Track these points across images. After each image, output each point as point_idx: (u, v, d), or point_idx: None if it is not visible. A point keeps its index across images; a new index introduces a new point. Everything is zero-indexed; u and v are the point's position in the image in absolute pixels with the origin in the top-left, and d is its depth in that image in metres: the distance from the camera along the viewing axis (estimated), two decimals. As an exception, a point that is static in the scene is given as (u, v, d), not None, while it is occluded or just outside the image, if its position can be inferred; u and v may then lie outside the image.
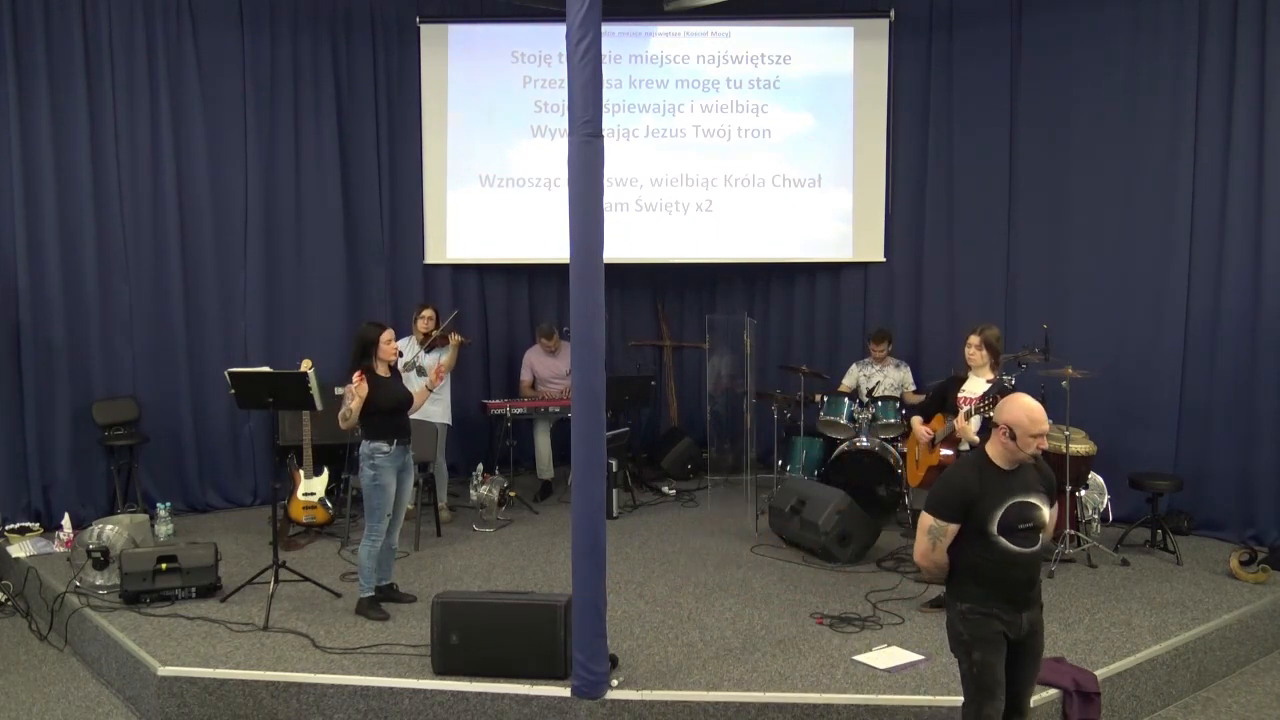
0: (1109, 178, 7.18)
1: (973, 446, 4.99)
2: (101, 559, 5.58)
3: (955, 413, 5.10)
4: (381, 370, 5.26)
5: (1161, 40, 6.91)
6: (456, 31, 8.36)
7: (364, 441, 5.19)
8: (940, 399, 5.30)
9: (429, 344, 7.06)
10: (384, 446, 5.16)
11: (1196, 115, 6.75)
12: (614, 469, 7.16)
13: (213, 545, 5.61)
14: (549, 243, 8.21)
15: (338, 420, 5.17)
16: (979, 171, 7.83)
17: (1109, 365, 6.84)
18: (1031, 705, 3.44)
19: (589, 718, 4.23)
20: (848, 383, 7.75)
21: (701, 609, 5.33)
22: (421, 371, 7.06)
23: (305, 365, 5.81)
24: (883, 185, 8.29)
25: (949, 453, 5.10)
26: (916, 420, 5.39)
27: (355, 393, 5.04)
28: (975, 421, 4.95)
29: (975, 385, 5.15)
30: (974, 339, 5.18)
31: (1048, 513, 3.39)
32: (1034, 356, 6.18)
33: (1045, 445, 3.35)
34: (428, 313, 7.13)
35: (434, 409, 7.02)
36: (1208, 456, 6.75)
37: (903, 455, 6.66)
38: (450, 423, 7.32)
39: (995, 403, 4.89)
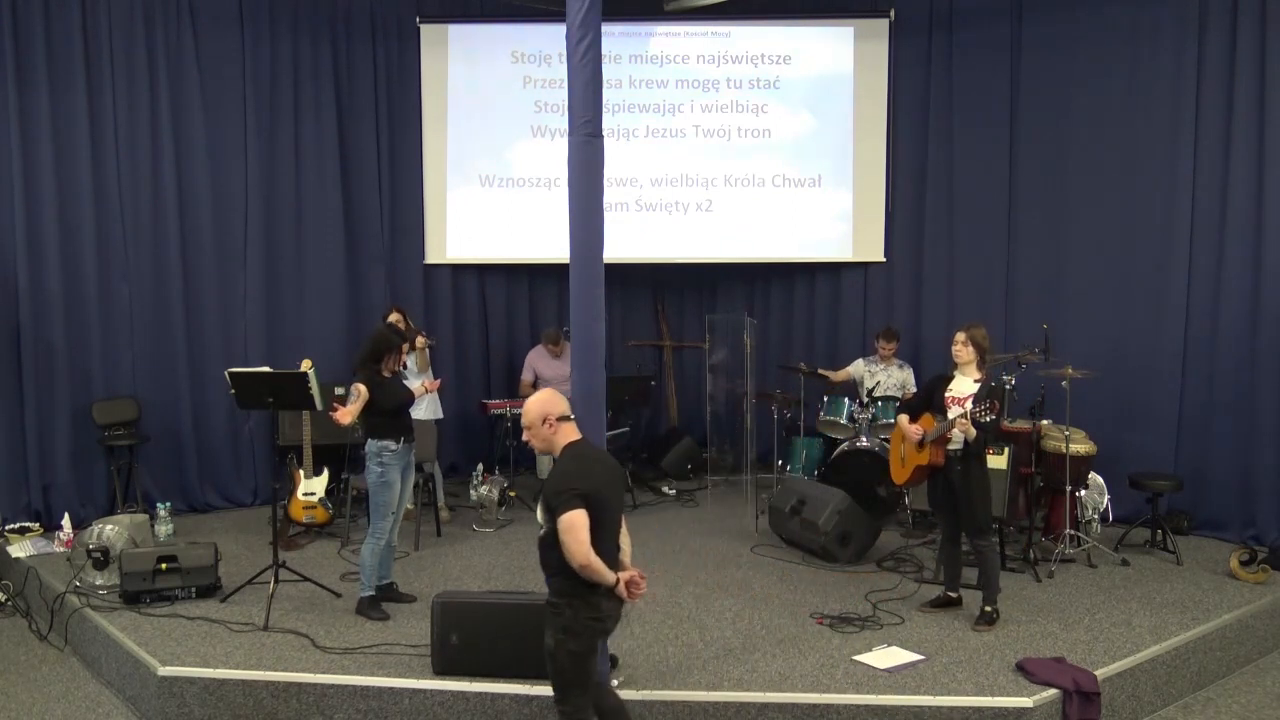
0: (1109, 178, 7.18)
1: (967, 443, 4.99)
2: (101, 559, 5.58)
3: (942, 412, 5.07)
4: (385, 372, 5.30)
5: (1161, 40, 6.91)
6: (456, 31, 8.36)
7: (370, 440, 5.22)
8: (927, 398, 5.26)
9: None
10: (391, 444, 5.20)
11: (1196, 115, 6.76)
12: (614, 469, 7.14)
13: (213, 545, 5.61)
14: (549, 243, 8.20)
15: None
16: (979, 171, 7.83)
17: (1109, 365, 6.83)
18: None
19: (589, 718, 4.23)
20: (850, 370, 7.73)
21: (701, 609, 5.33)
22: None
23: (305, 365, 5.81)
24: (883, 185, 8.29)
25: (937, 450, 5.08)
26: (904, 418, 5.32)
27: (354, 406, 5.09)
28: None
29: (962, 384, 5.12)
30: (960, 336, 5.17)
31: (539, 512, 3.55)
32: (1034, 356, 6.19)
33: (527, 438, 3.62)
34: (394, 316, 6.88)
35: (420, 404, 7.03)
36: (1208, 456, 6.75)
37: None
38: (441, 415, 7.31)
39: (990, 403, 4.87)
